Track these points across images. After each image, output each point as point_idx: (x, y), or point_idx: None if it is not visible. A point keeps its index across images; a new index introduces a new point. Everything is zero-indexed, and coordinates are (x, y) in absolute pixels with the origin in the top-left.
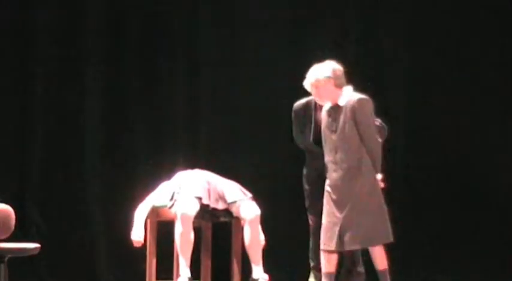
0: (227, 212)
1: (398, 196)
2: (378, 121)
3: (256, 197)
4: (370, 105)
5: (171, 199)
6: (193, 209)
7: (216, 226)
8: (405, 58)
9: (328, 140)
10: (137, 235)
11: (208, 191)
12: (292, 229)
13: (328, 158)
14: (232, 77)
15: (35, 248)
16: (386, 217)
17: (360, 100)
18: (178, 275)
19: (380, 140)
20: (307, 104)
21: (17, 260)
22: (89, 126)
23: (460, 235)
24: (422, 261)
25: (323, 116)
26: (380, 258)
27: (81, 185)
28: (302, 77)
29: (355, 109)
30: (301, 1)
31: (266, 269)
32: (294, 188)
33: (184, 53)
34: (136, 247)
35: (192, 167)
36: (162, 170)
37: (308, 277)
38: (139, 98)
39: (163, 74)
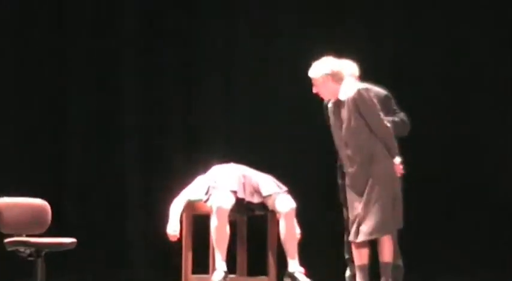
0: (262, 205)
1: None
2: (402, 114)
3: (292, 191)
4: (369, 94)
5: (207, 193)
6: (229, 202)
7: (252, 220)
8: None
9: (337, 136)
10: (173, 229)
11: (244, 184)
12: (328, 222)
13: (341, 154)
14: (267, 71)
15: (72, 243)
16: (399, 206)
17: (358, 91)
18: (214, 269)
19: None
20: None
21: (54, 255)
22: (125, 123)
23: (460, 235)
24: (421, 260)
25: (329, 113)
26: (385, 250)
27: (117, 179)
28: None
29: (356, 101)
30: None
31: (302, 263)
32: (329, 181)
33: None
34: (172, 241)
35: (227, 161)
36: (198, 164)
37: (345, 269)
38: (174, 94)
39: (198, 70)
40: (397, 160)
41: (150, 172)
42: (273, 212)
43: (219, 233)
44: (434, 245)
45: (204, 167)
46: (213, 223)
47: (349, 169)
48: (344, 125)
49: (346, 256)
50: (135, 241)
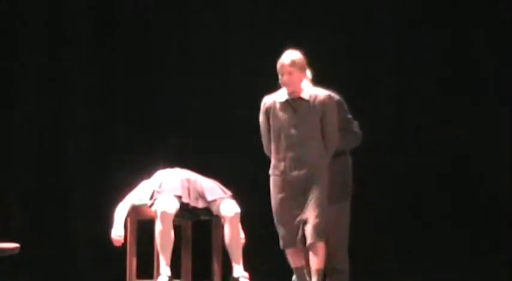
0: (207, 210)
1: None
2: (355, 124)
3: (236, 196)
4: (335, 102)
5: (151, 197)
6: (173, 207)
7: (196, 225)
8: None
9: (287, 135)
10: (117, 233)
11: (188, 189)
12: (272, 227)
13: (284, 155)
14: (215, 78)
15: (14, 248)
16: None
17: (330, 97)
18: (158, 274)
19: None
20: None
21: None
22: (72, 122)
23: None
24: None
25: (275, 110)
26: (320, 256)
27: (61, 183)
28: None
29: (325, 106)
30: None
31: (246, 268)
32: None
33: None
34: (116, 246)
35: (172, 165)
36: (142, 169)
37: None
38: (122, 95)
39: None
40: None
41: (95, 174)
42: (218, 217)
43: (163, 238)
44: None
45: (148, 172)
46: (158, 227)
47: (295, 171)
48: (301, 125)
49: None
50: (79, 247)
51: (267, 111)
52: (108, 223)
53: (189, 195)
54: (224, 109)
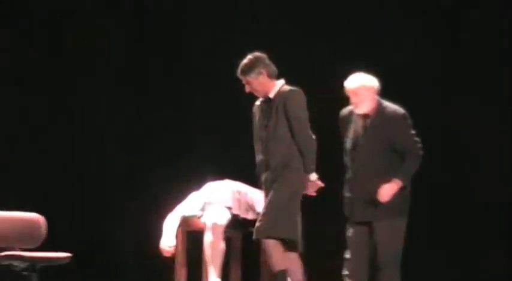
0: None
1: None
2: (419, 145)
3: None
4: (301, 97)
5: (201, 209)
6: (224, 219)
7: (246, 236)
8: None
9: (260, 138)
10: (167, 244)
11: (239, 201)
12: (323, 237)
13: (260, 157)
14: None
15: (66, 257)
16: (286, 215)
17: (291, 91)
18: None
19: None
20: (351, 111)
21: (48, 269)
22: (113, 139)
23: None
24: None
25: (254, 112)
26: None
27: (110, 196)
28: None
29: (286, 101)
30: None
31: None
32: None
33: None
34: (166, 257)
35: (222, 177)
36: (192, 181)
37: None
38: (168, 105)
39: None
40: (313, 176)
41: (143, 187)
42: None
43: (213, 249)
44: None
45: (198, 184)
46: (208, 239)
47: (264, 174)
48: (265, 127)
49: (345, 272)
50: (128, 257)
51: (253, 115)
52: (156, 234)
53: (239, 206)
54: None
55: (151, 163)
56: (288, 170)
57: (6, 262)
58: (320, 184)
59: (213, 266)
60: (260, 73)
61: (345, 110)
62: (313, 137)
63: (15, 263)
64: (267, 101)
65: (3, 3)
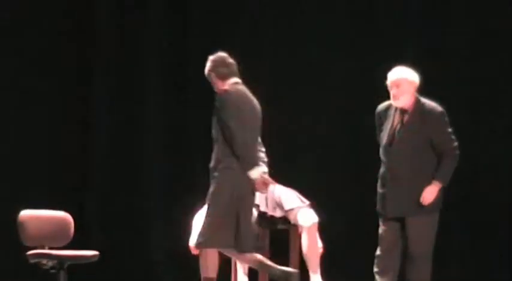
0: (285, 219)
1: None
2: (455, 144)
3: (314, 204)
4: (229, 99)
5: None
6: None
7: (274, 234)
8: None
9: None
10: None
11: (266, 198)
12: (350, 236)
13: None
14: (292, 85)
15: (94, 255)
16: (213, 223)
17: (220, 92)
18: None
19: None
20: (388, 107)
21: (76, 267)
22: (149, 139)
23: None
24: None
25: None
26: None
27: (139, 193)
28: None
29: (217, 102)
30: None
31: (324, 277)
32: (353, 194)
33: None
34: (194, 254)
35: None
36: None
37: None
38: (199, 105)
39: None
40: (253, 174)
41: (174, 185)
42: (296, 226)
43: None
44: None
45: None
46: None
47: None
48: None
49: (375, 269)
50: (157, 255)
51: None
52: (186, 232)
53: (267, 204)
54: (302, 119)
55: (185, 163)
56: (219, 171)
57: (34, 260)
58: (267, 180)
59: (241, 263)
60: (209, 74)
61: (382, 106)
62: (241, 137)
63: (44, 261)
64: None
65: None
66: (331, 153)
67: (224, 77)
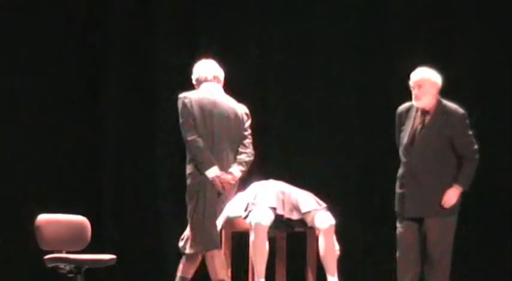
0: (302, 222)
1: None
2: (475, 147)
3: (331, 207)
4: (181, 104)
5: (246, 209)
6: (268, 219)
7: (291, 236)
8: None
9: None
10: None
11: (283, 201)
12: (368, 238)
13: None
14: (303, 87)
15: (111, 259)
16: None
17: (178, 99)
18: None
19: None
20: (409, 108)
21: (94, 271)
22: (162, 144)
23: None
24: None
25: None
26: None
27: (154, 198)
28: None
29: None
30: None
31: (341, 279)
32: (368, 197)
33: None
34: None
35: (267, 177)
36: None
37: None
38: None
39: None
40: (209, 174)
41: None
42: (312, 229)
43: (258, 249)
44: None
45: (243, 185)
46: (252, 239)
47: None
48: None
49: (397, 271)
50: (172, 259)
51: None
52: None
53: (284, 207)
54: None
55: None
56: (187, 176)
57: (52, 264)
58: (223, 179)
59: (258, 267)
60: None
61: (403, 106)
62: (190, 138)
63: (61, 265)
64: None
65: None
66: (346, 156)
67: (198, 83)
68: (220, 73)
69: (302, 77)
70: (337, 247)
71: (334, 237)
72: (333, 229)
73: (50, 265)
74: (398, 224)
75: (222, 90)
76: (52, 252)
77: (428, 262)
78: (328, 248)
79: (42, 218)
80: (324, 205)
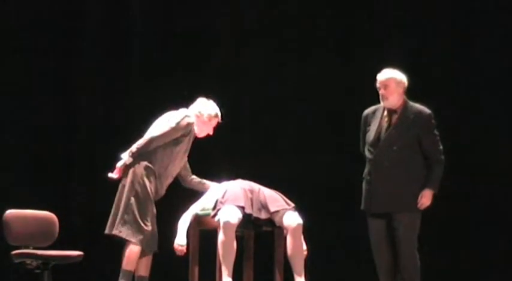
0: (270, 221)
1: None
2: (441, 148)
3: (299, 207)
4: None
5: (214, 208)
6: (236, 218)
7: (259, 235)
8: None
9: None
10: (180, 243)
11: (251, 200)
12: (335, 238)
13: None
14: (274, 85)
15: (79, 255)
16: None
17: None
18: None
19: None
20: (375, 109)
21: (61, 267)
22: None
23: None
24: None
25: None
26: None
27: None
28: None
29: None
30: None
31: (308, 279)
32: (336, 196)
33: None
34: (178, 255)
35: (235, 176)
36: (206, 180)
37: None
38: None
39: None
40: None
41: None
42: (280, 228)
43: (225, 248)
44: None
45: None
46: (220, 238)
47: None
48: None
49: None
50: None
51: None
52: (171, 233)
53: (252, 206)
54: (288, 123)
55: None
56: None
57: (19, 260)
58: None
59: (226, 265)
60: None
61: (370, 109)
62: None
63: (28, 261)
64: None
65: None
66: (315, 155)
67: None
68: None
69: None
70: (304, 246)
71: (302, 237)
72: (300, 229)
73: (16, 261)
74: (368, 222)
75: None
76: (19, 247)
77: (401, 257)
78: (296, 247)
79: (10, 213)
80: (292, 204)
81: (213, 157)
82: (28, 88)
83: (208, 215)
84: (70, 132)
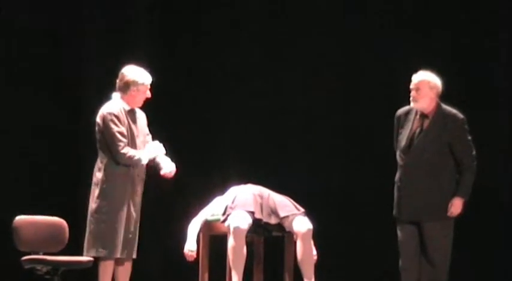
0: (280, 226)
1: None
2: (474, 154)
3: (309, 212)
4: (109, 118)
5: (224, 213)
6: (246, 223)
7: (269, 241)
8: None
9: None
10: (190, 248)
11: (261, 205)
12: (345, 243)
13: None
14: (283, 90)
15: (89, 261)
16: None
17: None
18: None
19: None
20: (408, 111)
21: (71, 273)
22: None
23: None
24: None
25: None
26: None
27: None
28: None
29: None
30: None
31: None
32: (347, 202)
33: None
34: (188, 261)
35: (245, 181)
36: (216, 185)
37: None
38: (190, 111)
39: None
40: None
41: (169, 191)
42: (290, 234)
43: (235, 253)
44: None
45: (222, 188)
46: (230, 243)
47: None
48: None
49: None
50: (152, 261)
51: None
52: (181, 238)
53: (262, 211)
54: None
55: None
56: None
57: (29, 266)
58: None
59: (235, 270)
60: None
61: (403, 109)
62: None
63: (38, 266)
64: None
65: None
66: (326, 160)
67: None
68: None
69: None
70: (314, 251)
71: (312, 242)
72: (310, 234)
73: (27, 267)
74: (398, 230)
75: None
76: (29, 253)
77: (428, 265)
78: (306, 253)
79: (20, 219)
80: (302, 209)
81: (223, 161)
82: (31, 90)
83: (218, 220)
84: (82, 137)
